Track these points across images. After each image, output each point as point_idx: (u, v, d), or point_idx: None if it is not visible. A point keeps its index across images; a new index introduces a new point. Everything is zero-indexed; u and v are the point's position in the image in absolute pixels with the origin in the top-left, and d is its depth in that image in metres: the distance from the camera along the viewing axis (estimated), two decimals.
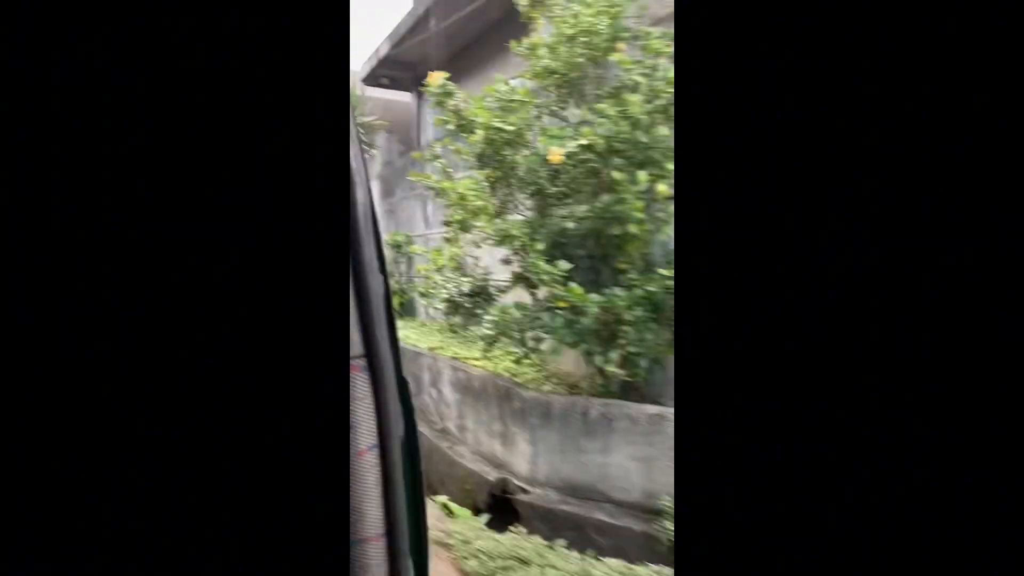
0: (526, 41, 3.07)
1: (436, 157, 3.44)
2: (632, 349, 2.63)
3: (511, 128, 2.94)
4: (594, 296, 2.62)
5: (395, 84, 9.62)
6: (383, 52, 8.68)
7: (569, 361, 3.39)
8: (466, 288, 3.56)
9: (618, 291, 2.64)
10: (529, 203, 3.31)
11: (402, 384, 0.59)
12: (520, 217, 3.26)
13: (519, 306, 2.99)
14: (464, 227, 3.25)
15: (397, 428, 0.58)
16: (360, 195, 0.57)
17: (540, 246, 2.78)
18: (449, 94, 3.16)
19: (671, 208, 2.88)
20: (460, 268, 3.64)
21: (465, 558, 2.42)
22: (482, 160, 3.14)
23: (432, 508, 3.07)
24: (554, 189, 3.06)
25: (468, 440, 3.78)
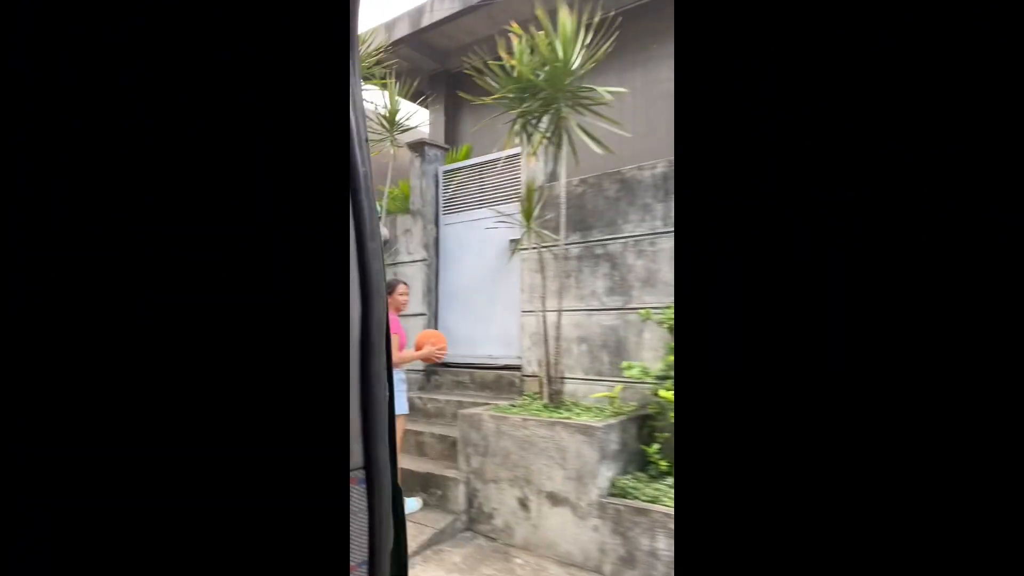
0: None
1: None
2: None
3: None
4: None
5: None
6: None
7: None
8: None
9: None
10: None
11: (396, 494, 0.59)
12: None
13: None
14: None
15: (388, 542, 0.57)
16: (378, 307, 0.57)
17: None
18: None
19: None
20: None
21: None
22: None
23: None
24: None
25: None
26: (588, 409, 3.34)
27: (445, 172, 5.30)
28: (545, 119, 3.49)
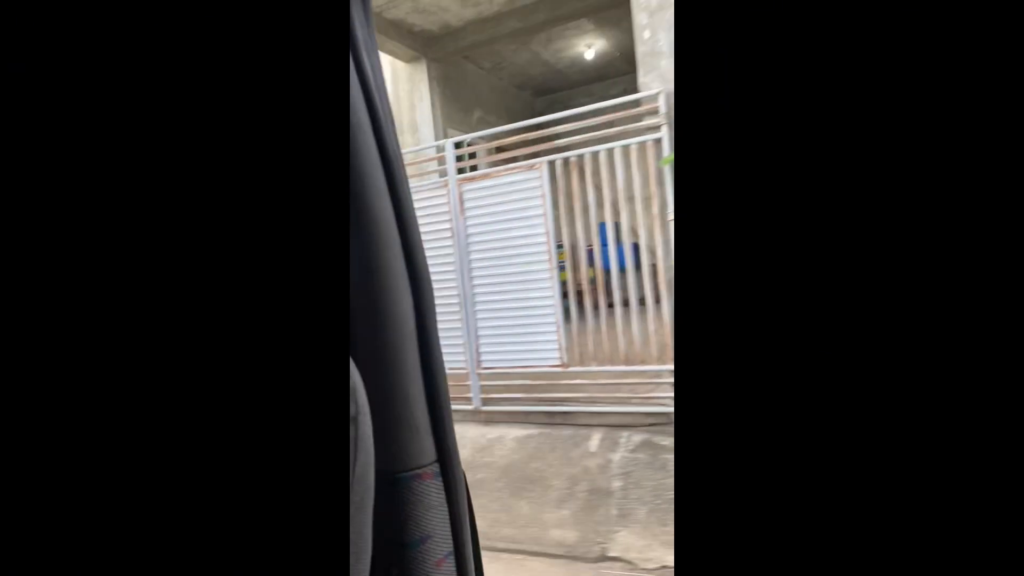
0: None
1: None
2: None
3: None
4: None
5: None
6: None
7: None
8: None
9: None
10: None
11: (464, 482, 0.59)
12: None
13: None
14: None
15: (468, 531, 0.56)
16: (428, 296, 0.57)
17: None
18: None
19: None
20: None
21: None
22: None
23: None
24: None
25: None
26: None
27: None
28: None
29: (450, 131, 6.04)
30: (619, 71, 7.59)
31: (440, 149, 3.57)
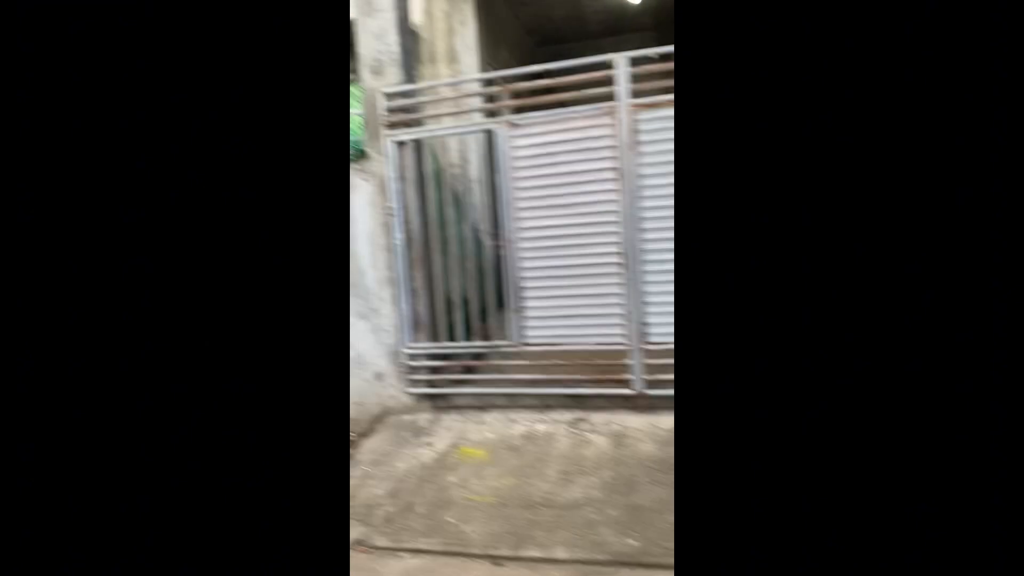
0: None
1: None
2: None
3: None
4: None
5: None
6: None
7: None
8: None
9: None
10: None
11: None
12: None
13: None
14: None
15: None
16: None
17: None
18: None
19: None
20: None
21: None
22: None
23: None
24: None
25: None
26: None
27: None
28: None
29: (487, 66, 5.15)
30: (640, 25, 7.06)
31: (609, 65, 2.78)
